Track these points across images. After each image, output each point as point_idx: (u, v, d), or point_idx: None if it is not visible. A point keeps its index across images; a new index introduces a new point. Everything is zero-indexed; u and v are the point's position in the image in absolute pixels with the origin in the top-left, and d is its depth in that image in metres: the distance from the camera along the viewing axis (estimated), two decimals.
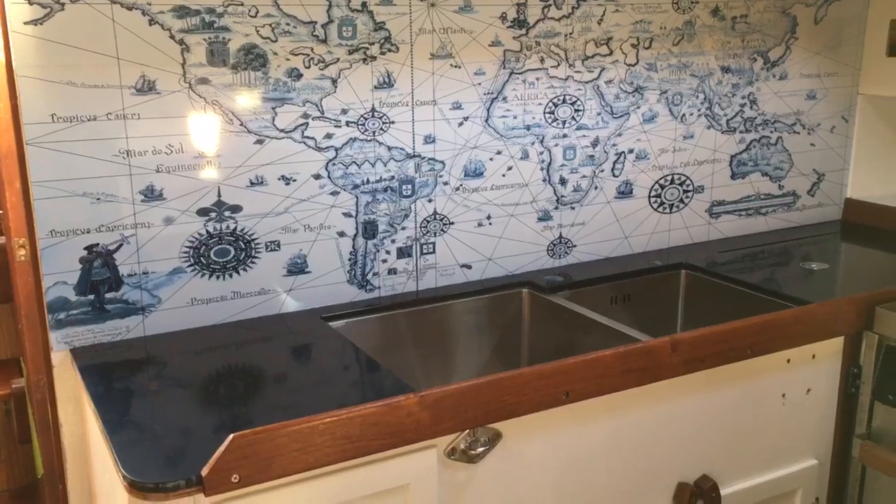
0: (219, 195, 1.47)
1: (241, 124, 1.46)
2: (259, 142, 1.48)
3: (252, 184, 1.49)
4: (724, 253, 1.96)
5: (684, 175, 1.98)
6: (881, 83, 2.13)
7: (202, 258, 1.48)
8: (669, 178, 1.96)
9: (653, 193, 1.94)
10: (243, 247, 1.51)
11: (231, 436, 0.99)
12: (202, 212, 1.46)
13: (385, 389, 1.25)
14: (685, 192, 1.99)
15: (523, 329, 1.76)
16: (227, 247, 1.49)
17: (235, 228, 1.49)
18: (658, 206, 1.96)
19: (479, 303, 1.72)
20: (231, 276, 1.51)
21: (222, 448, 0.99)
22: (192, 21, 1.38)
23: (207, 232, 1.47)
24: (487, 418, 1.18)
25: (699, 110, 1.95)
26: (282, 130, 1.49)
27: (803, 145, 2.14)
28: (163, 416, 1.19)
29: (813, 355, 1.50)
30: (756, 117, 2.04)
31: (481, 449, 1.19)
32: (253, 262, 1.52)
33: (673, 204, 1.98)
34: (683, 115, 1.93)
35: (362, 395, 1.23)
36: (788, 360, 1.47)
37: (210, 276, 1.49)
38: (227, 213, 1.48)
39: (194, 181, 1.44)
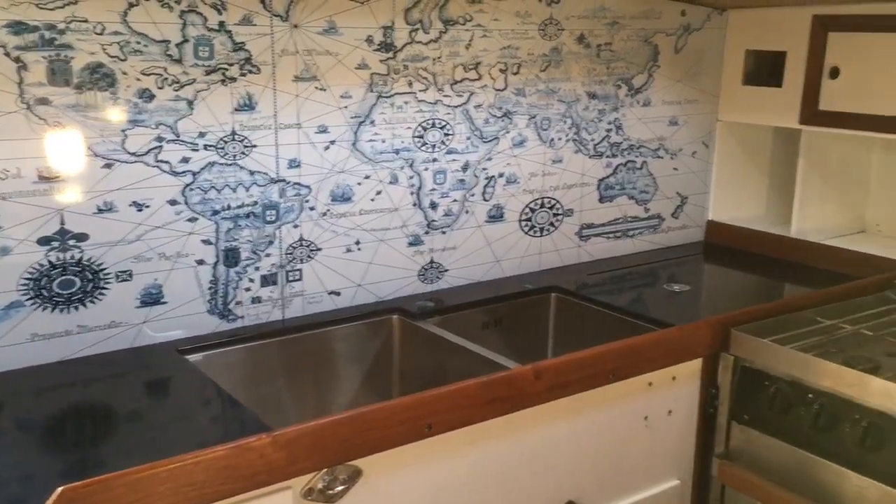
0: (62, 223, 1.37)
1: (88, 147, 1.37)
2: (108, 166, 1.39)
3: (100, 210, 1.40)
4: (594, 275, 1.99)
5: (554, 199, 2.00)
6: (738, 110, 2.23)
7: (44, 290, 1.38)
8: (539, 201, 1.97)
9: (523, 217, 1.96)
10: (90, 277, 1.42)
11: (59, 489, 0.91)
12: (43, 241, 1.36)
13: (241, 428, 1.19)
14: (555, 215, 2.01)
15: (394, 356, 1.73)
16: (72, 278, 1.40)
17: (81, 258, 1.40)
18: (529, 230, 1.97)
19: (348, 330, 1.67)
20: (77, 308, 1.41)
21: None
22: (30, 38, 1.29)
23: (50, 262, 1.37)
24: (347, 455, 1.14)
25: (567, 135, 1.98)
26: (133, 154, 1.41)
27: (667, 169, 2.20)
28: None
29: (673, 377, 1.53)
30: (622, 142, 2.09)
31: (340, 488, 1.15)
32: (102, 294, 1.43)
33: (543, 227, 2.00)
34: (552, 139, 1.96)
35: (216, 436, 1.17)
36: (650, 384, 1.50)
37: (53, 310, 1.39)
38: (71, 242, 1.39)
39: (34, 208, 1.34)
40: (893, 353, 1.49)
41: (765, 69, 2.17)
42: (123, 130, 1.40)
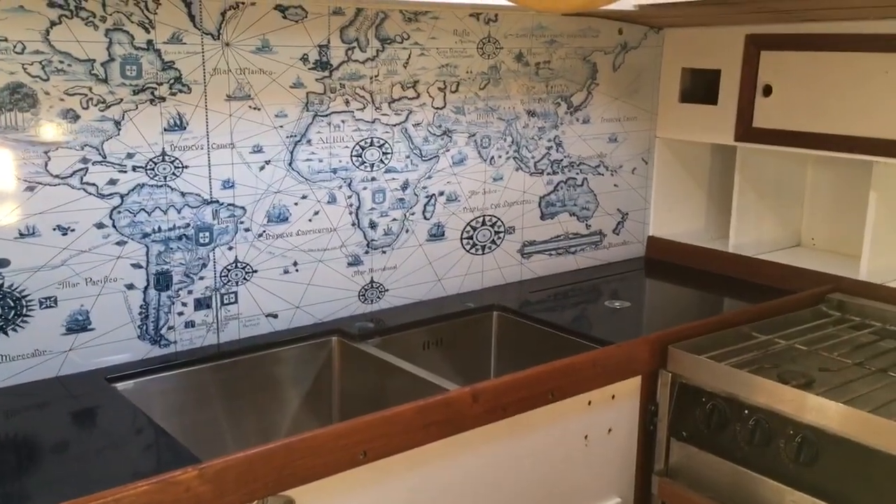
0: None
1: (9, 170, 1.32)
2: (30, 189, 1.35)
3: (22, 235, 1.35)
4: (536, 293, 1.99)
5: (495, 216, 1.99)
6: (675, 127, 2.26)
7: None
8: (481, 219, 1.97)
9: (465, 235, 1.95)
10: (12, 305, 1.36)
11: None
12: None
13: (171, 460, 1.15)
14: (497, 233, 2.01)
15: (334, 379, 1.70)
16: None
17: (2, 284, 1.35)
18: (470, 248, 1.96)
19: (285, 353, 1.64)
20: None
21: None
22: None
23: None
24: (278, 486, 1.11)
25: (507, 153, 1.98)
26: (56, 176, 1.37)
27: (608, 186, 2.22)
28: None
29: (613, 396, 1.53)
30: (562, 159, 2.10)
31: None
32: (25, 322, 1.38)
33: (485, 245, 1.99)
34: (492, 157, 1.95)
35: (145, 469, 1.13)
36: (589, 402, 1.49)
37: None
38: None
39: None
40: (826, 367, 1.51)
41: (701, 87, 2.20)
42: (46, 152, 1.35)
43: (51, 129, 1.35)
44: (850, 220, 2.16)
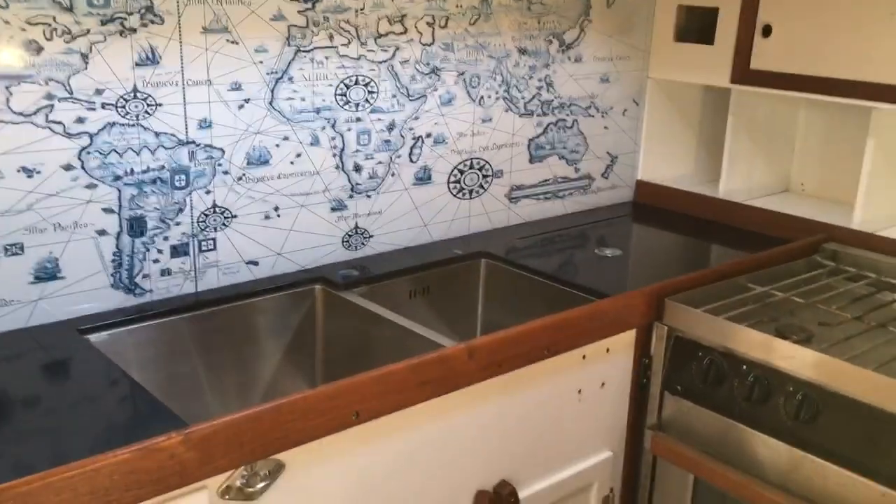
0: None
1: None
2: None
3: None
4: (524, 239, 1.93)
5: (483, 160, 1.92)
6: (669, 67, 2.18)
7: None
8: (468, 162, 1.89)
9: (452, 179, 1.87)
10: None
11: None
12: None
13: (147, 419, 1.08)
14: (484, 177, 1.93)
15: (317, 329, 1.64)
16: None
17: None
18: (458, 193, 1.89)
19: (267, 303, 1.57)
20: None
21: None
22: None
23: None
24: (267, 450, 1.05)
25: (497, 93, 1.89)
26: (20, 114, 1.26)
27: (598, 128, 2.14)
28: None
29: (607, 349, 1.49)
30: (553, 100, 2.01)
31: (261, 484, 1.06)
32: None
33: (472, 189, 1.92)
34: (481, 97, 1.87)
35: (120, 427, 1.06)
36: (584, 356, 1.45)
37: None
38: None
39: None
40: (825, 321, 1.47)
41: (696, 26, 2.12)
42: (8, 87, 1.24)
43: (12, 62, 1.23)
44: (842, 166, 2.12)
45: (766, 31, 1.96)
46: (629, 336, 1.52)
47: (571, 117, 2.07)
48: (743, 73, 2.01)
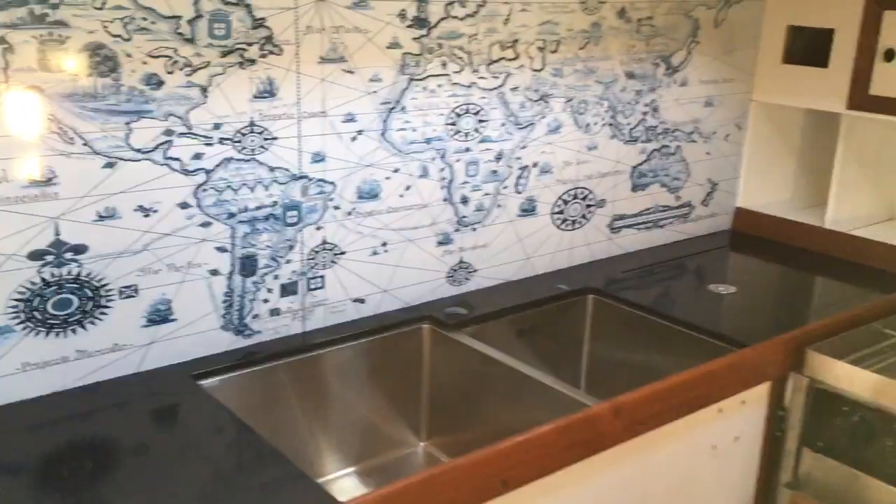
0: (57, 233, 1.16)
1: (86, 144, 1.15)
2: (109, 165, 1.18)
3: (101, 217, 1.19)
4: (628, 273, 1.83)
5: (587, 189, 1.83)
6: (775, 91, 2.07)
7: (36, 312, 1.17)
8: (573, 192, 1.80)
9: (555, 210, 1.78)
10: (90, 295, 1.21)
11: None
12: (35, 255, 1.15)
13: (268, 469, 1.01)
14: (587, 206, 1.84)
15: (423, 370, 1.56)
16: (69, 296, 1.19)
17: (80, 273, 1.19)
18: (561, 224, 1.80)
19: (374, 344, 1.50)
20: (75, 331, 1.21)
21: None
22: (18, 14, 1.06)
23: (43, 280, 1.16)
24: None
25: (603, 119, 1.80)
26: (139, 151, 1.20)
27: (700, 154, 2.05)
28: None
29: (743, 401, 1.39)
30: (657, 126, 1.92)
31: None
32: (103, 314, 1.23)
33: (575, 220, 1.83)
34: (588, 124, 1.78)
35: (232, 472, 0.99)
36: (720, 410, 1.35)
37: (48, 334, 1.18)
38: (68, 256, 1.17)
39: (23, 217, 1.13)
40: None
41: (806, 47, 2.01)
42: (128, 123, 1.18)
43: (133, 97, 1.17)
44: None
45: (889, 55, 1.85)
46: (764, 387, 1.42)
47: (675, 143, 1.97)
48: (861, 98, 1.90)
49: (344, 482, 1.48)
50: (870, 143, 2.04)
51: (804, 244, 2.03)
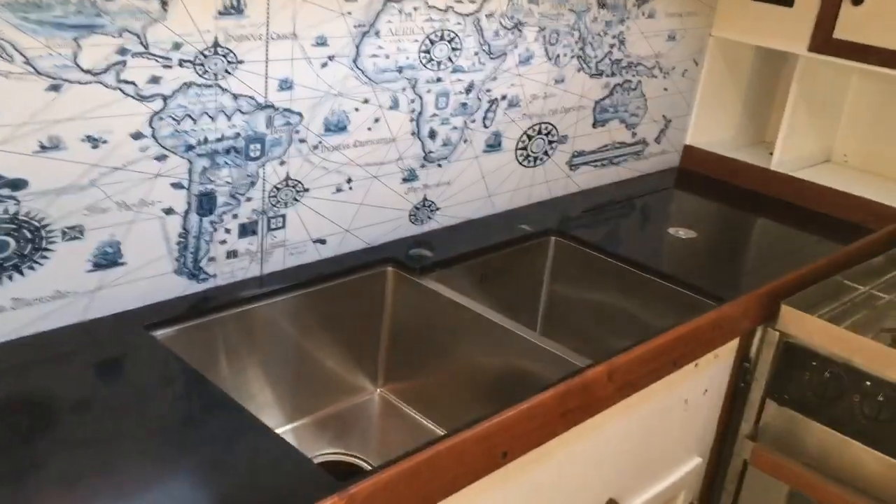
0: None
1: (27, 62, 0.98)
2: (54, 87, 1.01)
3: (43, 148, 1.03)
4: (588, 214, 1.78)
5: (551, 124, 1.74)
6: (735, 27, 2.03)
7: None
8: (537, 128, 1.72)
9: (520, 146, 1.70)
10: (29, 237, 1.05)
11: None
12: None
13: (230, 426, 0.92)
14: (550, 142, 1.77)
15: (384, 315, 1.48)
16: (5, 238, 1.04)
17: (17, 213, 1.03)
18: (524, 160, 1.72)
19: (336, 288, 1.40)
20: (11, 277, 1.06)
21: None
22: None
23: None
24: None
25: (573, 51, 1.71)
26: (88, 72, 1.03)
27: (658, 90, 1.99)
28: None
29: (716, 355, 1.38)
30: (622, 59, 1.84)
31: None
32: (44, 257, 1.08)
33: (538, 156, 1.75)
34: (558, 55, 1.68)
35: (189, 431, 0.90)
36: (696, 365, 1.34)
37: None
38: (3, 192, 1.01)
39: None
40: None
41: None
42: (76, 39, 1.01)
43: (83, 8, 1.00)
44: (889, 139, 2.03)
45: None
46: (735, 341, 1.41)
47: (637, 78, 1.91)
48: (825, 42, 1.87)
49: (300, 432, 1.40)
50: (820, 86, 2.03)
51: (750, 184, 2.03)
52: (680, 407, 1.35)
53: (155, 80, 1.09)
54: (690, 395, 1.37)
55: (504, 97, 1.61)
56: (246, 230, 1.29)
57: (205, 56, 1.13)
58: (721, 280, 1.48)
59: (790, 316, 1.39)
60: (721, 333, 1.33)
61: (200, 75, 1.14)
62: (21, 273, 1.06)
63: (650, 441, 1.32)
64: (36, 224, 1.05)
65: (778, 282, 1.43)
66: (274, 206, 1.31)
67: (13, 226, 1.03)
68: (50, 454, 0.88)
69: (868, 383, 1.31)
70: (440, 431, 1.42)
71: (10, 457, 0.88)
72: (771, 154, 2.05)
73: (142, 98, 1.09)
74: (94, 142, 1.06)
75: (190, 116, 1.15)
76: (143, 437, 0.92)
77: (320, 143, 1.33)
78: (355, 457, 1.36)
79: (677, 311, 1.43)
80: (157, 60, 1.09)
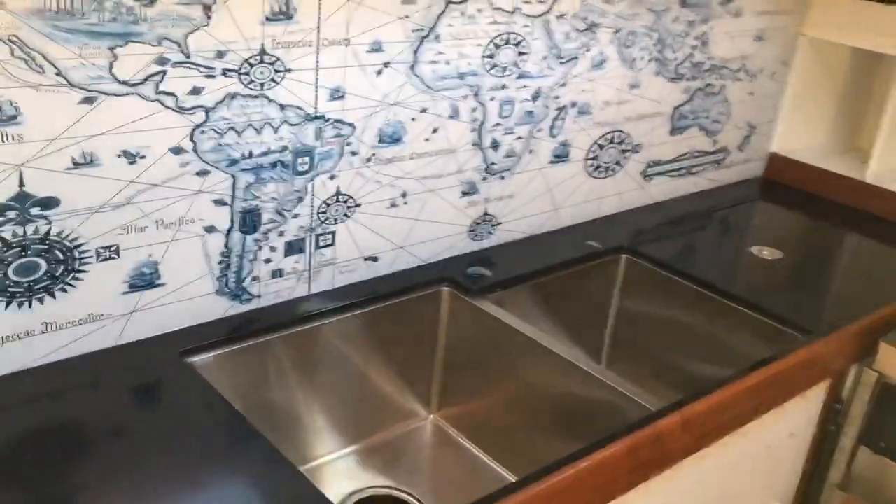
0: (21, 184, 0.93)
1: (59, 73, 0.91)
2: (88, 100, 0.94)
3: (76, 164, 0.96)
4: (662, 227, 1.66)
5: (624, 132, 1.62)
6: (828, 26, 1.86)
7: None
8: (609, 136, 1.60)
9: (590, 156, 1.58)
10: (61, 258, 0.99)
11: None
12: None
13: (252, 462, 0.84)
14: (623, 151, 1.64)
15: (440, 337, 1.38)
16: (36, 259, 0.97)
17: (49, 232, 0.97)
18: (593, 171, 1.60)
19: (388, 309, 1.31)
20: (42, 300, 1.00)
21: None
22: None
23: (3, 240, 0.94)
24: None
25: (650, 53, 1.58)
26: (124, 83, 0.96)
27: (742, 94, 1.84)
28: None
29: (803, 395, 1.24)
30: (704, 62, 1.70)
31: None
32: (76, 279, 1.01)
33: (609, 167, 1.63)
34: (633, 59, 1.56)
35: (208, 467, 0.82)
36: (782, 408, 1.20)
37: (8, 305, 0.97)
38: (34, 212, 0.95)
39: None
40: None
41: None
42: (112, 48, 0.94)
43: (119, 16, 0.92)
44: None
45: None
46: (825, 381, 1.28)
47: (720, 82, 1.77)
48: None
49: (349, 460, 1.32)
50: None
51: (842, 198, 1.87)
52: (762, 453, 1.23)
53: (196, 91, 1.02)
54: (774, 439, 1.24)
55: (574, 104, 1.49)
56: (293, 248, 1.21)
57: (250, 65, 1.05)
58: (810, 309, 1.35)
59: (890, 355, 1.24)
60: (809, 375, 1.20)
61: (245, 85, 1.06)
62: (52, 296, 1.00)
63: (727, 490, 1.20)
64: (68, 244, 0.99)
65: (876, 316, 1.29)
66: (323, 222, 1.23)
67: (44, 246, 0.97)
68: (81, 485, 0.82)
69: None
70: (493, 465, 1.32)
71: (40, 487, 0.83)
72: (864, 163, 1.88)
73: (182, 110, 1.02)
74: (130, 157, 1.00)
75: (234, 129, 1.07)
76: (161, 471, 0.85)
77: (373, 155, 1.24)
78: (403, 491, 1.28)
79: (760, 342, 1.30)
80: (198, 70, 1.01)
